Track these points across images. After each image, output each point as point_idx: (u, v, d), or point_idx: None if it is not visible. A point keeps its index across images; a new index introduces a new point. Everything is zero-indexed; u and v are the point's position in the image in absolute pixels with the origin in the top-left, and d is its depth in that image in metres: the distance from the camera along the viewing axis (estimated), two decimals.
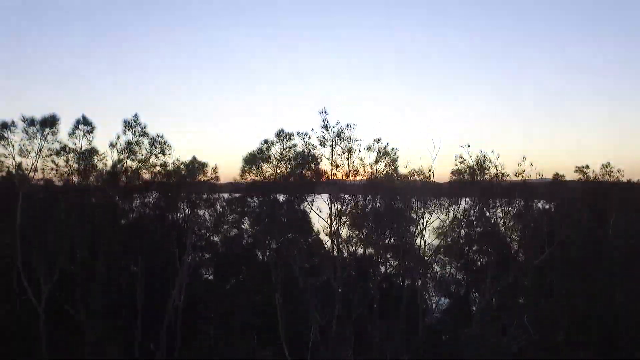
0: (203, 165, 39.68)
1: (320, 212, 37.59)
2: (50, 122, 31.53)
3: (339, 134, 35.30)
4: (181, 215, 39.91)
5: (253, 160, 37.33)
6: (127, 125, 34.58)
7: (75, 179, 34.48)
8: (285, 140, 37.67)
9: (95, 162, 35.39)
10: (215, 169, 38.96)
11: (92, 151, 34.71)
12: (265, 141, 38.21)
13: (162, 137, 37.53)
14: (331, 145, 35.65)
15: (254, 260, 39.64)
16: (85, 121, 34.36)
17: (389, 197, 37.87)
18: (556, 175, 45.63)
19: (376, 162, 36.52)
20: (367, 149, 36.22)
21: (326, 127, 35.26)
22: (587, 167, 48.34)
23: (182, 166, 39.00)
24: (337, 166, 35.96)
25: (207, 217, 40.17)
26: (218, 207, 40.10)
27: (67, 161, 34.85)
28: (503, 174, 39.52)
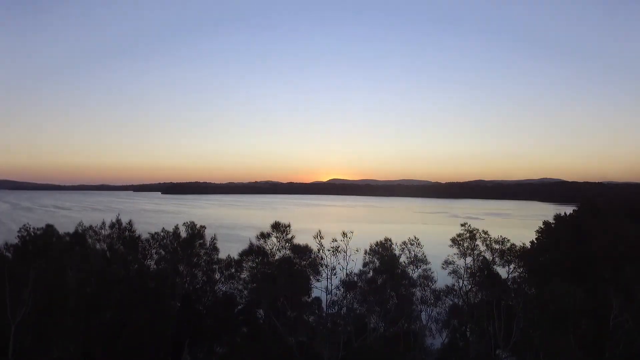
0: (200, 232, 40.01)
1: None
2: (42, 249, 31.73)
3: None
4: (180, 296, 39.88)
5: (250, 252, 37.83)
6: (113, 227, 35.01)
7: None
8: (282, 232, 38.15)
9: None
10: (213, 238, 39.40)
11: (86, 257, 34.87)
12: (262, 234, 38.66)
13: (152, 235, 37.76)
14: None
15: None
16: (78, 236, 34.73)
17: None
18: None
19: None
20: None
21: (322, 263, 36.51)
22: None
23: (181, 232, 39.39)
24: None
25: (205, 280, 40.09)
26: (217, 274, 40.25)
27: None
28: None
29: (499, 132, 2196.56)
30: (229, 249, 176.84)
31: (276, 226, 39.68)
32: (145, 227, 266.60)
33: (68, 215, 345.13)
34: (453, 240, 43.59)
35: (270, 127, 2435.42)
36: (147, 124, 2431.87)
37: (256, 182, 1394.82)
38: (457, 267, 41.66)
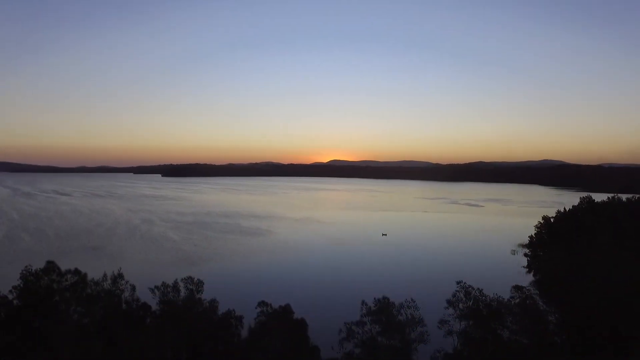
0: (199, 285, 39.79)
1: None
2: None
3: None
4: None
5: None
6: (113, 280, 35.02)
7: None
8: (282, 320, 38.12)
9: None
10: (213, 300, 39.28)
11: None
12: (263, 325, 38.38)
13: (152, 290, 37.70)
14: None
15: None
16: (77, 272, 34.64)
17: None
18: None
19: None
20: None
21: None
22: None
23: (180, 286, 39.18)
24: None
25: None
26: None
27: None
28: None
29: (499, 112, 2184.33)
30: (230, 242, 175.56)
31: (277, 313, 39.63)
32: (146, 216, 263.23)
33: (69, 203, 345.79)
34: (449, 302, 42.97)
35: (270, 107, 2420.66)
36: (147, 106, 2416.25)
37: (256, 163, 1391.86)
38: (452, 327, 41.18)
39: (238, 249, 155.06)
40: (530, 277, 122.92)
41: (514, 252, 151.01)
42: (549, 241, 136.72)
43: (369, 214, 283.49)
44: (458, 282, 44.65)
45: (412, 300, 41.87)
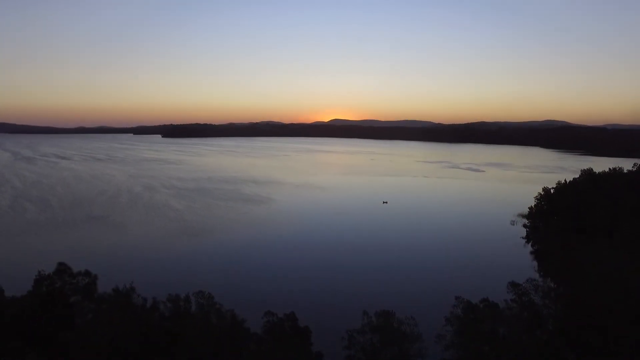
0: (209, 299, 40.39)
1: None
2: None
3: None
4: None
5: None
6: (126, 293, 35.47)
7: None
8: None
9: None
10: (221, 312, 40.00)
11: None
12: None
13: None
14: None
15: None
16: (87, 273, 35.17)
17: None
18: None
19: None
20: None
21: None
22: None
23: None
24: None
25: None
26: None
27: None
28: None
29: (503, 71, 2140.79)
30: (231, 211, 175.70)
31: (283, 322, 39.89)
32: (148, 182, 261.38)
33: (70, 168, 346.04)
34: (447, 319, 43.18)
35: (272, 65, 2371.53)
36: (146, 64, 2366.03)
37: (257, 122, 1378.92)
38: (449, 342, 41.76)
39: (239, 220, 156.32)
40: (529, 248, 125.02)
41: (513, 223, 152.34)
42: (548, 213, 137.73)
43: (369, 179, 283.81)
44: (457, 297, 44.99)
45: (412, 317, 42.56)
